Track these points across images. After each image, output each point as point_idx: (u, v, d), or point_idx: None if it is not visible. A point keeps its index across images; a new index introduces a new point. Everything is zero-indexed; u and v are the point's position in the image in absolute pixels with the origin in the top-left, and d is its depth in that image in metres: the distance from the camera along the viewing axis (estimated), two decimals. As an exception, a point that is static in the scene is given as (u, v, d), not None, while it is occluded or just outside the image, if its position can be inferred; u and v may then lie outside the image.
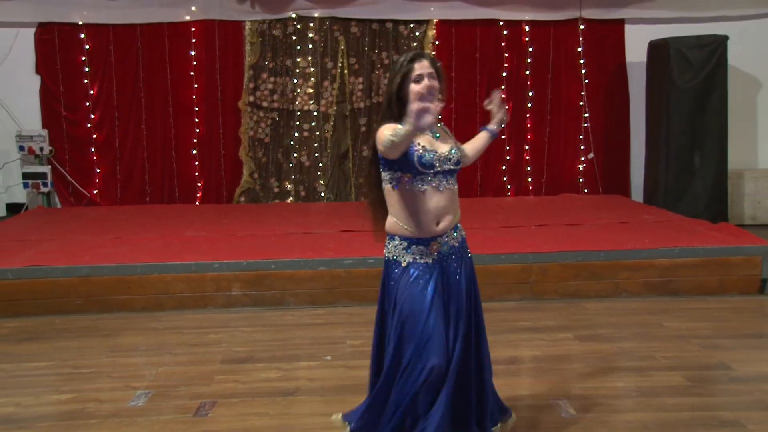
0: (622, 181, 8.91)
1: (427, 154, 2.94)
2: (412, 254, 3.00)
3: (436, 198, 2.97)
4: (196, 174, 8.59)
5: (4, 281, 5.42)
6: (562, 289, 5.71)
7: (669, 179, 8.12)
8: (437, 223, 2.98)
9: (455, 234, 3.08)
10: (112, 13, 8.22)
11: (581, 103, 8.76)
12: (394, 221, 3.03)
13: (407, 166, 2.93)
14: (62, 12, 8.15)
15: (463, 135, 9.58)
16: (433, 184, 2.97)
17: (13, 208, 8.33)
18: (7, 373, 4.32)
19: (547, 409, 3.67)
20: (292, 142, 8.58)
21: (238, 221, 7.26)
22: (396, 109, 2.96)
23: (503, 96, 2.96)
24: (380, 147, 2.89)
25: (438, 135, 3.07)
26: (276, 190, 8.66)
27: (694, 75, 7.95)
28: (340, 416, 3.18)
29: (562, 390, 3.93)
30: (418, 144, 2.95)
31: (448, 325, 2.97)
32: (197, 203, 8.59)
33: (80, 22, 8.22)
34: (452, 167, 3.01)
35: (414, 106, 2.75)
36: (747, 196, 8.58)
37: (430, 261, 2.99)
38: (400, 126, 2.74)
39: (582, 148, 8.82)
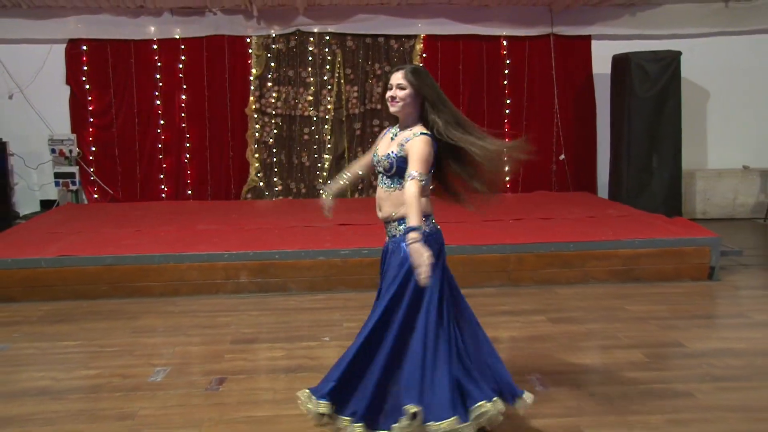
0: (590, 179, 8.93)
1: (374, 155, 3.19)
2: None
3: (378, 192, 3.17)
4: (207, 173, 8.56)
5: (38, 269, 5.41)
6: (537, 277, 5.73)
7: (630, 178, 8.16)
8: (378, 209, 3.15)
9: (395, 230, 3.10)
10: (133, 30, 8.18)
11: (553, 110, 8.78)
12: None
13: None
14: (89, 30, 8.11)
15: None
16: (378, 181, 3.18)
17: (46, 204, 8.32)
18: (42, 351, 4.33)
19: (522, 383, 3.67)
20: (294, 144, 8.57)
21: (245, 216, 7.23)
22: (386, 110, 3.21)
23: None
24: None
25: (395, 136, 3.13)
26: (279, 187, 8.64)
27: (651, 86, 7.99)
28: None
29: (537, 366, 3.96)
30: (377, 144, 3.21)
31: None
32: (208, 199, 8.55)
33: (105, 38, 8.18)
34: (381, 171, 3.10)
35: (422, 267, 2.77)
36: (698, 193, 8.65)
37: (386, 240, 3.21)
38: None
39: (554, 150, 8.84)
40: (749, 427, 3.24)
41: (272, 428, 3.23)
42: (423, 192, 2.93)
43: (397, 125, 3.16)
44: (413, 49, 8.55)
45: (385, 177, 3.10)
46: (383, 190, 3.10)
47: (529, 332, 4.56)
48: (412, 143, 2.96)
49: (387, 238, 3.16)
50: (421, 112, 3.06)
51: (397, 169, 3.02)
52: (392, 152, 3.03)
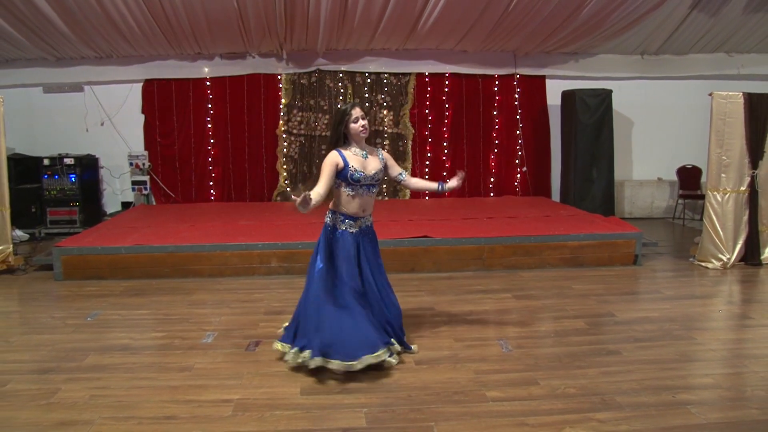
0: (545, 186, 8.93)
1: (356, 173, 3.25)
2: (346, 225, 3.34)
3: (359, 199, 3.30)
4: (246, 180, 8.57)
5: (119, 255, 5.46)
6: (505, 263, 5.74)
7: (576, 186, 8.17)
8: (363, 210, 3.34)
9: (370, 221, 3.43)
10: (192, 71, 8.23)
11: (517, 132, 8.79)
12: (339, 204, 3.32)
13: (345, 180, 3.25)
14: (159, 72, 8.19)
15: (433, 154, 9.48)
16: (358, 192, 3.30)
17: (125, 205, 8.39)
18: (123, 317, 4.39)
19: (492, 346, 3.73)
20: (313, 158, 8.56)
21: (275, 214, 7.23)
22: (342, 139, 3.30)
23: (464, 173, 3.54)
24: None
25: (366, 155, 3.31)
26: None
27: (591, 115, 8.01)
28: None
29: (503, 333, 3.99)
30: (352, 165, 3.24)
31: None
32: (246, 201, 8.56)
33: (171, 78, 8.25)
34: (373, 183, 3.32)
35: (298, 201, 2.93)
36: (626, 198, 8.69)
37: (355, 231, 3.35)
38: (300, 206, 2.95)
39: (517, 162, 8.86)
40: (660, 374, 3.28)
41: (297, 380, 3.26)
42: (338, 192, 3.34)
43: (355, 146, 3.30)
44: (408, 84, 8.56)
45: (372, 188, 3.33)
46: (371, 197, 3.34)
47: (498, 306, 4.59)
48: (387, 155, 3.44)
49: (353, 229, 3.32)
50: None
51: (382, 178, 3.39)
52: (380, 168, 3.35)
